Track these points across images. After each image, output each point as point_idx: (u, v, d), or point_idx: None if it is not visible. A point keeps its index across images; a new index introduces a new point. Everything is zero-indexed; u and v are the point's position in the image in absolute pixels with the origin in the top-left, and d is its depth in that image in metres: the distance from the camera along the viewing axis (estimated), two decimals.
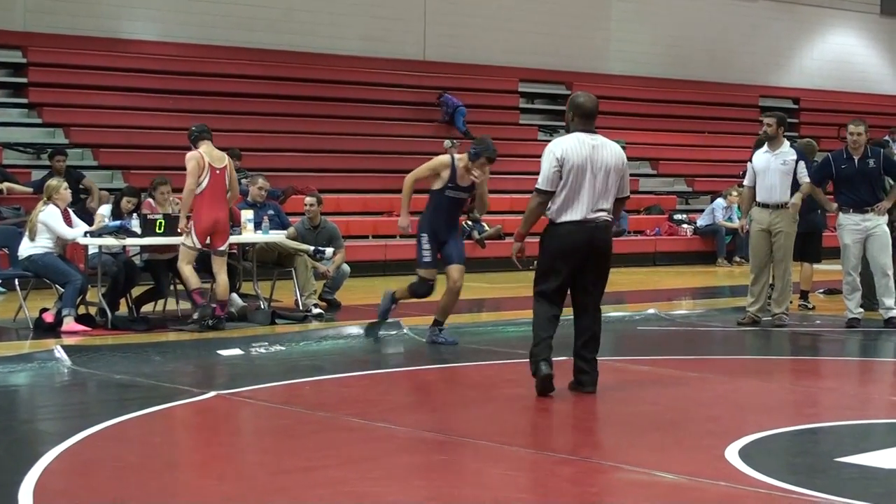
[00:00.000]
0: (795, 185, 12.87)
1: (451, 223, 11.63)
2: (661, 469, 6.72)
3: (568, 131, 8.91)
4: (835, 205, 13.24)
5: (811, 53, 31.22)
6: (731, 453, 7.05)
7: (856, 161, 12.92)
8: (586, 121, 8.81)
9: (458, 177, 11.33)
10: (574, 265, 8.75)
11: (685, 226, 23.28)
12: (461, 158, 11.37)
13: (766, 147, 12.97)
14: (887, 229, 13.06)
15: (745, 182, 13.23)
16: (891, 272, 12.92)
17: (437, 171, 11.41)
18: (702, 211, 23.59)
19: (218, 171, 12.07)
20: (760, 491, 6.31)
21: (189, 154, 12.06)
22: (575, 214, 8.69)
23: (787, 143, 12.98)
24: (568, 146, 8.71)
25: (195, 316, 12.09)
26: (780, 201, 12.84)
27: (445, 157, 11.59)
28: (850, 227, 12.91)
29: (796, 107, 29.37)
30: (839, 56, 31.53)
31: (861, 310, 13.04)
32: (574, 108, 8.84)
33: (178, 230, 12.14)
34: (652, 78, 27.00)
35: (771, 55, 30.19)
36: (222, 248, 12.19)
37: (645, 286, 17.81)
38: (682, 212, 24.25)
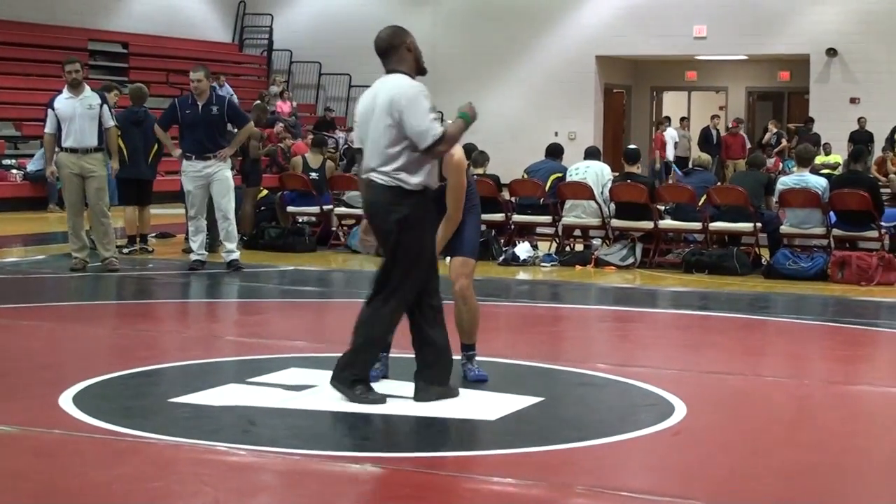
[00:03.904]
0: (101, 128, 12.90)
1: None
2: None
3: None
4: (179, 151, 13.34)
5: None
6: (66, 400, 6.99)
7: (200, 107, 13.09)
8: (383, 61, 7.17)
9: None
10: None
11: (14, 171, 22.62)
12: None
13: (67, 93, 12.90)
14: (229, 174, 13.29)
15: (47, 129, 13.00)
16: (232, 216, 13.24)
17: None
18: (32, 156, 23.00)
19: None
20: (95, 436, 6.32)
21: None
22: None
23: (88, 87, 13.03)
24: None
25: None
26: (90, 146, 12.84)
27: None
28: (192, 173, 13.05)
29: (126, 51, 29.31)
30: (167, 2, 31.77)
31: (204, 252, 13.32)
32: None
33: None
34: None
35: None
36: None
37: None
38: (11, 157, 23.52)
